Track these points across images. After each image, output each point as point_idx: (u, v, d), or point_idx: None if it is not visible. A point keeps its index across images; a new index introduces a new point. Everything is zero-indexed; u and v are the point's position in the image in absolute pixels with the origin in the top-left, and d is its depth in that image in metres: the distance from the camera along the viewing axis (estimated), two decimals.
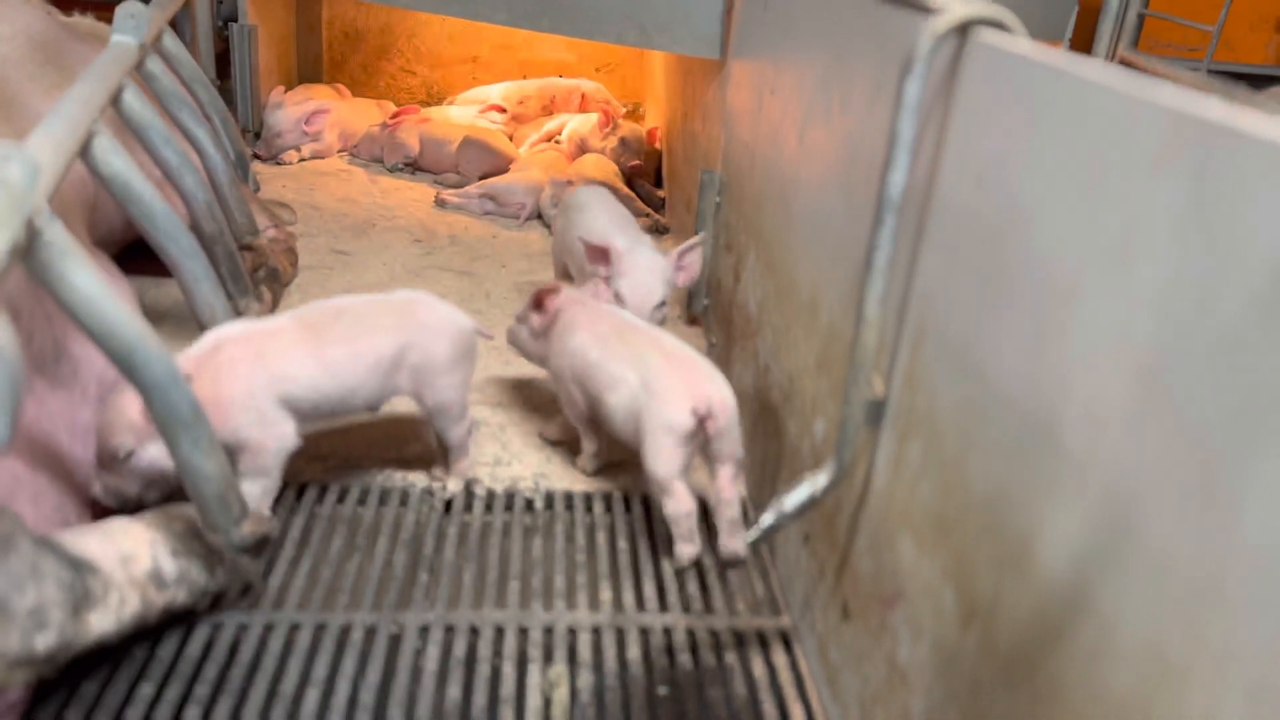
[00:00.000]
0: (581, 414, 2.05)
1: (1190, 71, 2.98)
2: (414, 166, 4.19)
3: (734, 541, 1.84)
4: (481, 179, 3.93)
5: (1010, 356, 1.00)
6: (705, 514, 1.90)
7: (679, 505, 1.80)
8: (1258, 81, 3.47)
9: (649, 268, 2.24)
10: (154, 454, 1.65)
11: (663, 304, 2.24)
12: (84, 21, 2.83)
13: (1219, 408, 0.71)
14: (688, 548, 1.82)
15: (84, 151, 1.69)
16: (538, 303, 2.10)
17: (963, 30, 1.12)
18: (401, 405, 2.07)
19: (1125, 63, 3.40)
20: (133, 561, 1.45)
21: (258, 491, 1.75)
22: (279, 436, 1.75)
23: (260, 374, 1.71)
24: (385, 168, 4.17)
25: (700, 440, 1.79)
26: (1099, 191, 0.87)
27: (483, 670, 1.57)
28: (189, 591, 1.54)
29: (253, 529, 1.66)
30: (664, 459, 1.79)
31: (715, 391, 1.78)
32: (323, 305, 1.88)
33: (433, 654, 1.59)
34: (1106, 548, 0.83)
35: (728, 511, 1.82)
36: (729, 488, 1.82)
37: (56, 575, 1.30)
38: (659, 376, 1.81)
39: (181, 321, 2.50)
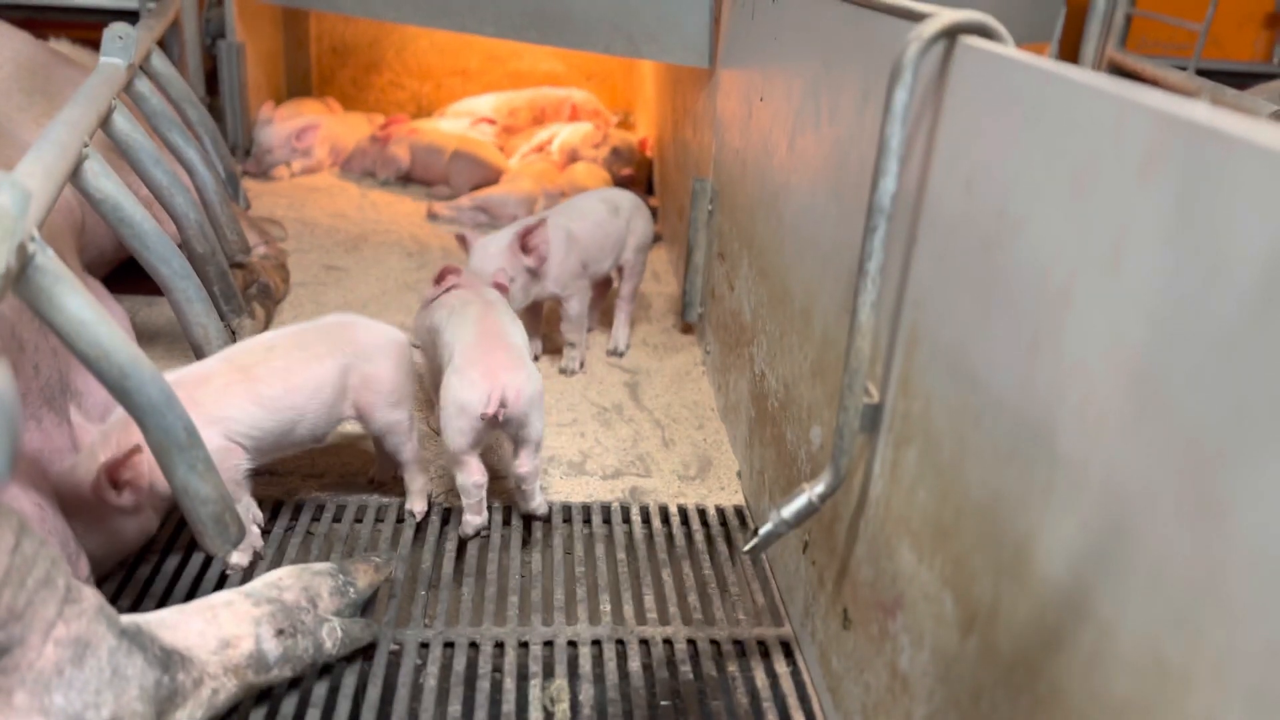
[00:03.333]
0: (436, 386, 2.15)
1: (1178, 71, 2.99)
2: (406, 179, 4.19)
3: (528, 506, 1.99)
4: (472, 191, 3.93)
5: (1004, 362, 1.00)
6: (706, 528, 1.88)
7: (469, 477, 1.89)
8: (1246, 79, 3.49)
9: (487, 244, 2.46)
10: (114, 527, 1.64)
11: (507, 278, 2.36)
12: (62, 46, 2.83)
13: (1213, 411, 0.71)
14: (475, 518, 1.92)
15: (74, 175, 1.68)
16: (439, 277, 2.20)
17: (949, 37, 1.13)
18: None
19: (1114, 63, 3.41)
20: (232, 646, 1.39)
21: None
22: (229, 468, 1.71)
23: (197, 419, 1.68)
24: (377, 181, 4.17)
25: (495, 424, 1.88)
26: (1088, 196, 0.87)
27: (483, 686, 1.56)
28: (295, 669, 1.48)
29: (368, 580, 1.67)
30: (455, 434, 1.86)
31: (512, 384, 1.85)
32: (252, 343, 1.85)
33: (433, 671, 1.59)
34: (1104, 552, 0.83)
35: (522, 486, 1.97)
36: (523, 466, 1.94)
37: (140, 679, 1.24)
38: (463, 356, 1.90)
39: (174, 341, 2.50)
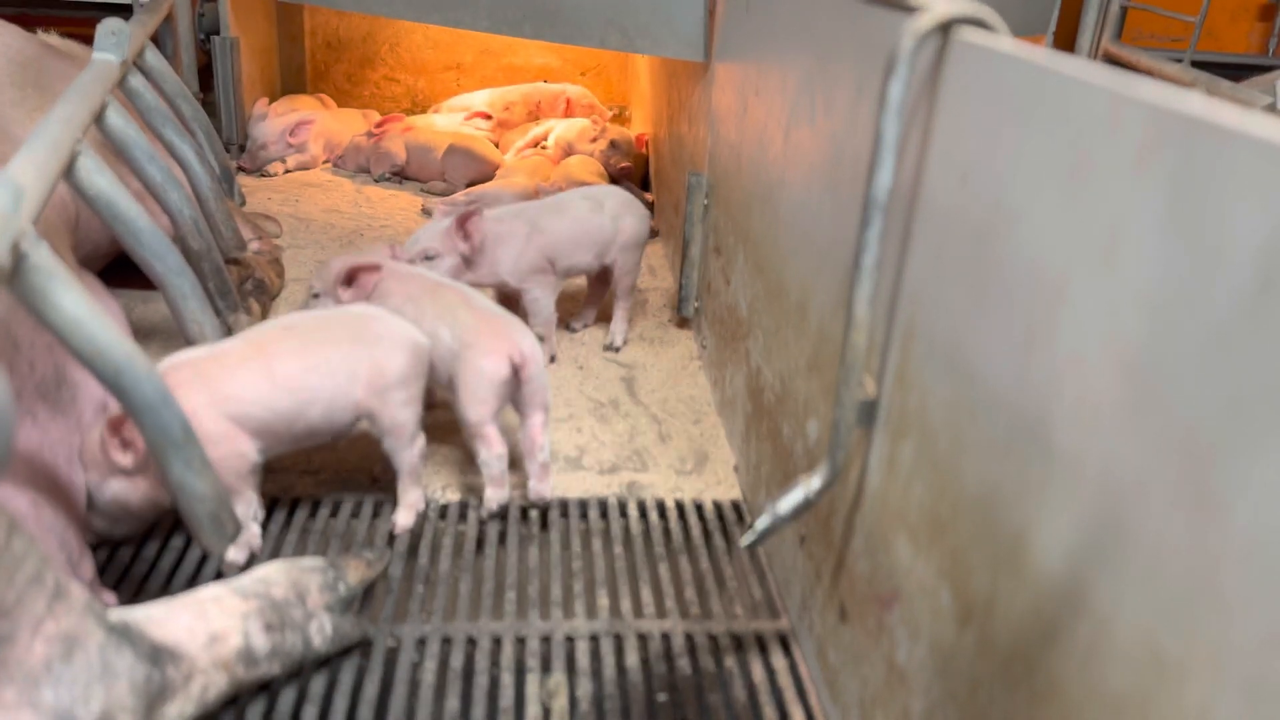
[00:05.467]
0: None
1: (1173, 63, 2.99)
2: (401, 175, 4.18)
3: (542, 486, 1.98)
4: (468, 186, 3.92)
5: (999, 356, 1.01)
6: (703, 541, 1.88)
7: (492, 448, 1.93)
8: (1241, 71, 3.49)
9: (432, 225, 2.49)
10: (116, 489, 1.66)
11: (429, 256, 2.42)
12: (52, 39, 2.81)
13: (1208, 404, 0.71)
14: (499, 491, 1.95)
15: (68, 172, 1.68)
16: (349, 279, 2.16)
17: (945, 29, 1.13)
18: None
19: (1109, 55, 3.41)
20: (221, 641, 1.39)
21: (237, 511, 1.74)
22: (231, 455, 1.70)
23: (200, 397, 1.67)
24: (372, 178, 4.15)
25: (512, 389, 1.95)
26: (1083, 189, 0.87)
27: (481, 681, 1.57)
28: (284, 664, 1.48)
29: (359, 576, 1.67)
30: (478, 405, 1.92)
31: (526, 343, 1.94)
32: (271, 323, 1.86)
33: (430, 666, 1.59)
34: (1100, 545, 0.83)
35: (540, 456, 1.97)
36: (540, 434, 1.97)
37: (130, 674, 1.23)
38: (472, 329, 1.95)
39: (170, 337, 2.49)
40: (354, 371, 1.82)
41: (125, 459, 1.63)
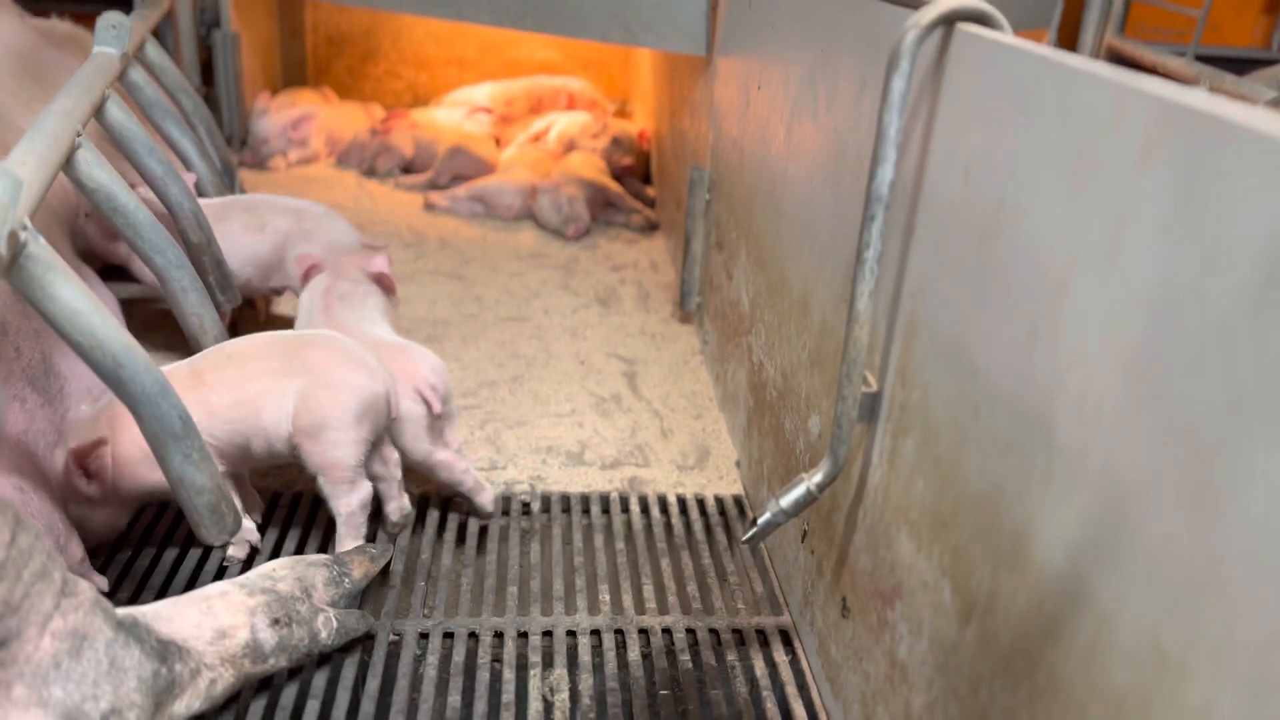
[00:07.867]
0: None
1: (1177, 57, 2.98)
2: (406, 170, 4.18)
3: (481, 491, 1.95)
4: (468, 182, 3.92)
5: (1002, 351, 1.00)
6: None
7: (455, 466, 1.89)
8: (1245, 65, 3.48)
9: None
10: (77, 513, 1.64)
11: None
12: (61, 25, 2.81)
13: (1211, 400, 0.71)
14: (486, 493, 1.94)
15: (67, 164, 1.67)
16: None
17: (947, 24, 1.12)
18: None
19: (1112, 49, 3.40)
20: (228, 636, 1.39)
21: None
22: None
23: None
24: (379, 174, 4.14)
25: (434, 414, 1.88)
26: (1087, 184, 0.86)
27: (483, 676, 1.57)
28: (290, 659, 1.48)
29: (363, 571, 1.66)
30: (417, 444, 1.86)
31: (426, 366, 1.86)
32: (216, 349, 1.76)
33: (432, 661, 1.59)
34: (1102, 542, 0.82)
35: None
36: (456, 438, 1.95)
37: (138, 670, 1.24)
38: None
39: (170, 334, 2.49)
40: (283, 404, 1.69)
41: (90, 489, 1.61)
